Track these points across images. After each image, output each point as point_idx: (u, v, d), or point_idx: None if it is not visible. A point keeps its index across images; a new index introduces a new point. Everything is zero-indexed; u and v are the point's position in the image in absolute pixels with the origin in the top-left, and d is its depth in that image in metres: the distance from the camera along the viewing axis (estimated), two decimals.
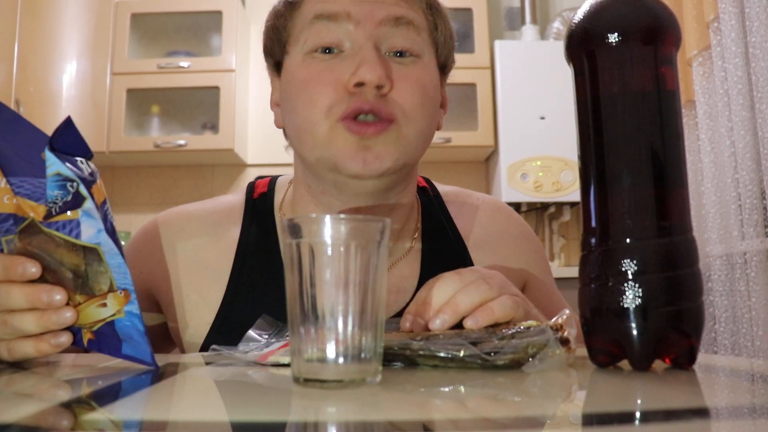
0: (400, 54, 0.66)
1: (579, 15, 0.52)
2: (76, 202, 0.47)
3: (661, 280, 0.47)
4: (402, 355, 0.52)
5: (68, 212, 0.47)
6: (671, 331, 0.48)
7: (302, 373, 0.42)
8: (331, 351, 0.41)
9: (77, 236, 0.47)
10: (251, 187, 0.80)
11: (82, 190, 0.47)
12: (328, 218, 0.42)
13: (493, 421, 0.36)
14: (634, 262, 0.48)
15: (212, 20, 2.89)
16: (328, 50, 0.65)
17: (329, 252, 0.42)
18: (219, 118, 2.76)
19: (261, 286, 0.72)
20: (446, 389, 0.45)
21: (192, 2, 2.87)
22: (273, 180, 0.81)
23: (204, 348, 0.71)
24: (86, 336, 0.52)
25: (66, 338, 0.51)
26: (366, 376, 0.42)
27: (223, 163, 3.02)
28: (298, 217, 0.43)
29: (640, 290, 0.47)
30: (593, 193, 0.51)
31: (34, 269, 0.49)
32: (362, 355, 0.42)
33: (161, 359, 0.58)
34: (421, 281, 0.74)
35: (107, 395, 0.41)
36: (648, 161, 0.49)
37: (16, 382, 0.47)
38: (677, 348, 0.49)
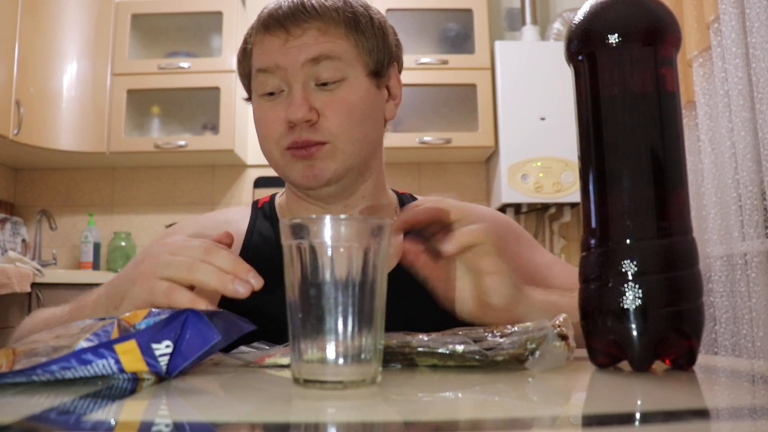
0: (325, 84, 0.78)
1: (579, 16, 0.52)
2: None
3: (661, 280, 0.47)
4: (401, 354, 0.52)
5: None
6: (671, 331, 0.48)
7: (302, 374, 0.42)
8: (331, 352, 0.41)
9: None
10: (255, 201, 0.95)
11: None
12: (328, 219, 0.42)
13: (492, 422, 0.36)
14: (634, 262, 0.48)
15: (212, 21, 2.89)
16: (271, 93, 0.80)
17: (329, 252, 0.42)
18: (219, 119, 2.76)
19: (263, 273, 0.79)
20: (446, 390, 0.45)
21: (192, 3, 2.87)
22: (273, 195, 0.97)
23: None
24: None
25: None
26: (366, 377, 0.42)
27: (223, 163, 3.02)
28: (298, 217, 0.43)
29: (640, 291, 0.47)
30: (593, 193, 0.51)
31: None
32: (362, 356, 0.42)
33: None
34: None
35: (107, 396, 0.41)
36: (648, 162, 0.49)
37: (18, 382, 0.47)
38: (677, 349, 0.49)
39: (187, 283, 0.56)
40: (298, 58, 0.77)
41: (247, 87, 0.86)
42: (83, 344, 0.46)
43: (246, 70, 0.85)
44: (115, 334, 0.49)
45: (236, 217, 0.90)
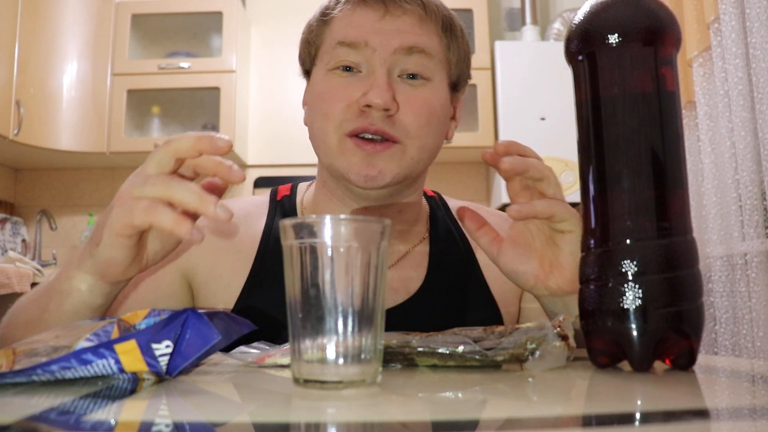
0: (412, 76, 0.71)
1: (579, 16, 0.52)
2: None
3: (661, 281, 0.47)
4: (401, 354, 0.52)
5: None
6: (671, 331, 0.48)
7: (302, 374, 0.42)
8: (331, 352, 0.41)
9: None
10: (274, 190, 0.87)
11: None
12: (328, 219, 0.42)
13: (492, 422, 0.36)
14: (634, 263, 0.48)
15: (212, 21, 2.89)
16: (347, 68, 0.71)
17: (329, 253, 0.42)
18: (219, 119, 2.76)
19: (281, 276, 0.76)
20: (446, 390, 0.45)
21: (192, 3, 2.87)
22: (295, 184, 0.88)
23: None
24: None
25: (197, 231, 0.51)
26: (366, 377, 0.42)
27: None
28: (298, 218, 0.43)
29: (640, 291, 0.47)
30: (593, 194, 0.51)
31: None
32: (362, 356, 0.42)
33: None
34: (427, 283, 0.78)
35: (107, 396, 0.41)
36: (648, 162, 0.49)
37: (18, 382, 0.47)
38: (677, 349, 0.49)
39: (166, 199, 0.52)
40: (392, 42, 0.70)
41: (309, 59, 0.78)
42: (83, 344, 0.46)
43: (317, 39, 0.76)
44: (115, 334, 0.49)
45: (255, 211, 0.83)
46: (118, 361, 0.44)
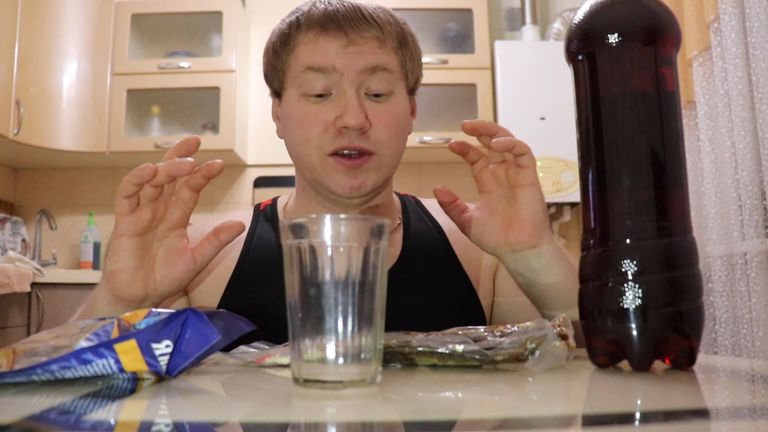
0: (377, 95, 0.79)
1: (579, 16, 0.52)
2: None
3: (661, 280, 0.47)
4: (401, 354, 0.52)
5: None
6: (671, 331, 0.48)
7: (302, 374, 0.42)
8: (331, 352, 0.41)
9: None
10: (257, 204, 0.95)
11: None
12: (328, 218, 0.42)
13: (492, 422, 0.36)
14: (634, 262, 0.48)
15: (212, 21, 2.89)
16: (320, 95, 0.79)
17: (329, 252, 0.42)
18: (219, 119, 2.76)
19: (263, 278, 0.82)
20: (446, 390, 0.45)
21: (192, 3, 2.87)
22: (275, 198, 0.97)
23: None
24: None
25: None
26: (366, 377, 0.42)
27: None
28: (298, 217, 0.43)
29: (640, 291, 0.47)
30: (593, 193, 0.51)
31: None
32: (362, 356, 0.42)
33: None
34: (401, 260, 0.86)
35: (107, 396, 0.41)
36: (648, 162, 0.49)
37: (18, 382, 0.47)
38: (677, 348, 0.49)
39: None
40: (357, 65, 0.77)
41: (278, 82, 0.83)
42: (83, 344, 0.46)
43: (283, 65, 0.82)
44: (115, 334, 0.49)
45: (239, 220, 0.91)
46: (118, 361, 0.44)
